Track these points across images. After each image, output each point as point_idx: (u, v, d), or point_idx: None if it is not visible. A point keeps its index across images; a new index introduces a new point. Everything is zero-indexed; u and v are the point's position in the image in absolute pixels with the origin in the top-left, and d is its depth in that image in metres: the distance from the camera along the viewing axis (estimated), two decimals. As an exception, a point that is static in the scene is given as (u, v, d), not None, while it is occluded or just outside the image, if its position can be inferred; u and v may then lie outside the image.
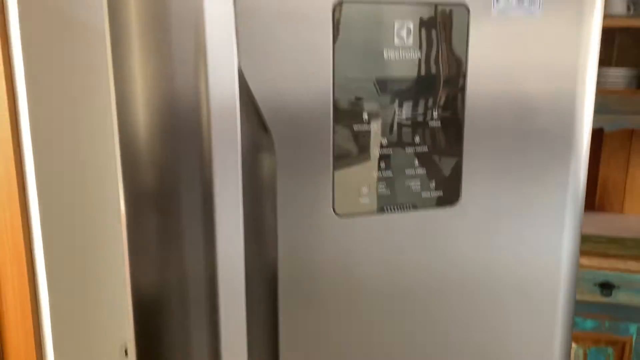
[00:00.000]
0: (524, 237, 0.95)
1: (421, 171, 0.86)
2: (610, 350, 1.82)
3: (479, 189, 0.90)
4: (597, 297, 1.80)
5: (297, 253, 0.83)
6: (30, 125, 1.53)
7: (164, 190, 0.76)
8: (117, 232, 0.79)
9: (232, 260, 0.76)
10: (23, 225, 1.52)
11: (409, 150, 0.84)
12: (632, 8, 1.79)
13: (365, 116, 0.81)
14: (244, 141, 0.75)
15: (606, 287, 1.78)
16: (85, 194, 1.55)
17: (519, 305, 0.98)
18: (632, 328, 1.80)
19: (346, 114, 0.80)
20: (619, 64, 1.83)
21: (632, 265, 1.74)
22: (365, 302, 0.88)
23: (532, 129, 0.90)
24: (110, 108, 0.75)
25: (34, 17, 1.49)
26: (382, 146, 0.83)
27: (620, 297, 1.78)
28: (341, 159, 0.81)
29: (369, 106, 0.81)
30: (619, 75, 1.82)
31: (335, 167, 0.81)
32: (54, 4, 1.51)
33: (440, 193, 0.87)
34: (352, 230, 0.84)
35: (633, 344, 1.80)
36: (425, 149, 0.85)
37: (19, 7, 1.50)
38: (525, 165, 0.92)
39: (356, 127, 0.81)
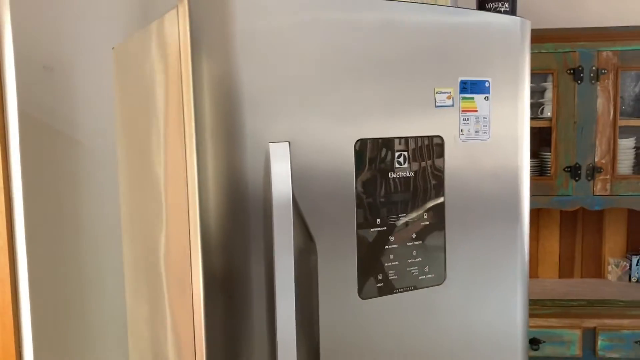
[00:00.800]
0: (489, 303, 1.23)
1: (418, 259, 1.13)
2: (542, 397, 2.13)
3: (459, 269, 1.18)
4: (528, 352, 2.12)
5: (334, 326, 1.06)
6: (25, 233, 1.66)
7: (236, 273, 0.98)
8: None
9: (288, 336, 0.98)
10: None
11: (409, 244, 1.12)
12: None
13: (378, 221, 1.08)
14: (296, 243, 1.00)
15: (534, 343, 2.11)
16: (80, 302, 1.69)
17: (490, 356, 1.25)
18: (558, 376, 2.12)
19: (365, 221, 1.07)
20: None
21: (553, 322, 2.08)
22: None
23: (491, 221, 1.21)
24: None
25: (34, 137, 1.66)
26: (390, 242, 1.10)
27: (546, 350, 2.10)
28: (362, 255, 1.07)
29: (380, 213, 1.08)
30: (526, 165, 2.24)
31: (359, 262, 1.07)
32: (53, 125, 1.70)
33: (432, 275, 1.15)
34: (372, 309, 1.09)
35: (560, 390, 2.12)
36: (420, 242, 1.13)
37: (19, 129, 1.66)
38: (488, 248, 1.22)
39: (372, 230, 1.08)
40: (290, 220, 0.97)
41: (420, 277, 1.14)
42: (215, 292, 0.97)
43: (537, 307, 2.18)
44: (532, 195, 2.20)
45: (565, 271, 2.48)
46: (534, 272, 2.49)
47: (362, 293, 1.08)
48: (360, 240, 1.07)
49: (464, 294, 1.19)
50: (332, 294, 1.05)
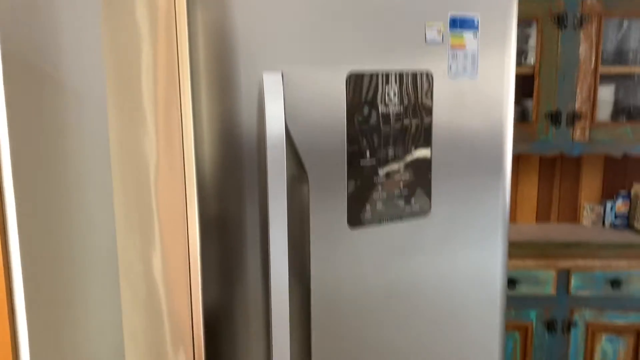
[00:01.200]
0: (472, 240, 1.28)
1: (405, 192, 1.17)
2: (517, 334, 2.23)
3: (443, 204, 1.22)
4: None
5: (324, 256, 1.10)
6: (12, 174, 1.66)
7: (230, 214, 1.01)
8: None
9: (280, 270, 1.02)
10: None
11: (397, 177, 1.16)
12: (513, 59, 2.27)
13: (368, 154, 1.11)
14: (289, 173, 1.03)
15: (511, 283, 2.19)
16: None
17: (470, 292, 1.31)
18: (532, 314, 2.22)
19: (355, 154, 1.10)
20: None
21: (529, 263, 2.17)
22: (371, 291, 1.17)
23: (476, 159, 1.25)
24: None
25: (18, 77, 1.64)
26: (378, 175, 1.13)
27: (522, 289, 2.19)
28: (352, 186, 1.10)
29: (370, 147, 1.11)
30: (508, 111, 2.28)
31: (348, 193, 1.10)
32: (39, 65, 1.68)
33: (417, 207, 1.19)
34: (361, 239, 1.13)
35: (534, 327, 2.22)
36: (407, 176, 1.17)
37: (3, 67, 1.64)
38: (472, 186, 1.26)
39: (362, 162, 1.11)
40: (283, 149, 1.00)
41: (407, 209, 1.18)
42: (210, 229, 1.00)
43: (514, 248, 2.26)
44: (513, 140, 2.26)
45: (542, 216, 2.56)
46: (512, 216, 2.57)
47: (351, 222, 1.12)
48: (350, 172, 1.10)
49: (448, 228, 1.24)
50: (323, 223, 1.09)
